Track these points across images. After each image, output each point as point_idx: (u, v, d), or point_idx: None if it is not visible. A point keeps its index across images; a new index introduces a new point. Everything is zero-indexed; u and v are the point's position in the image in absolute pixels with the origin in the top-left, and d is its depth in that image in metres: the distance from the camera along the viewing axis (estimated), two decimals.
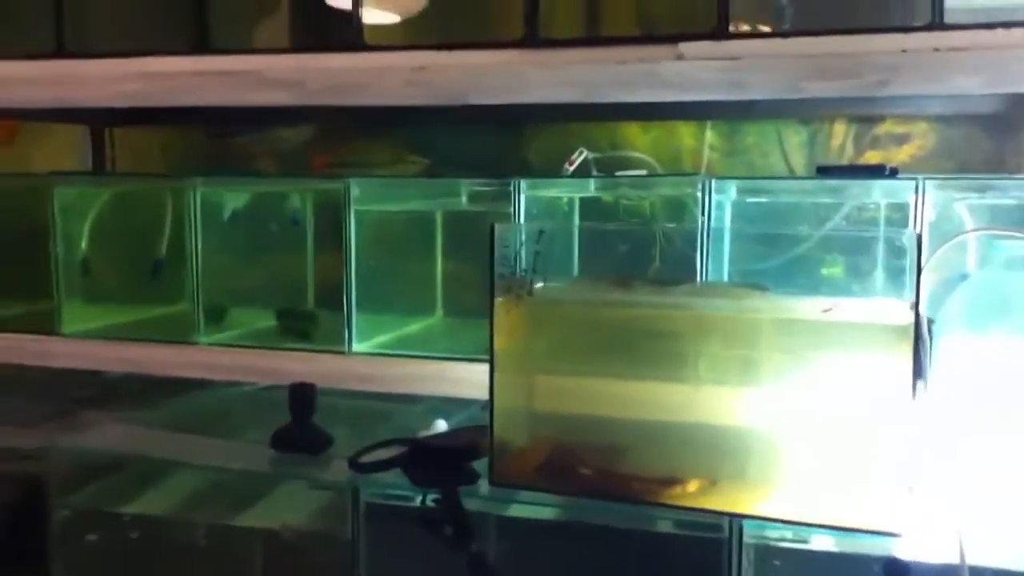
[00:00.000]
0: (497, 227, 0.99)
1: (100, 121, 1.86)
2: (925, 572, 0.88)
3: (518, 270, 1.01)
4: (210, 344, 1.39)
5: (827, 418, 0.92)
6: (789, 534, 0.94)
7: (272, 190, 1.56)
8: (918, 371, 0.89)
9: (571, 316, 1.05)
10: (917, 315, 0.88)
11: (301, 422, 1.17)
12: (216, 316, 1.45)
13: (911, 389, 0.87)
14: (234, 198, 1.51)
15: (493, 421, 1.01)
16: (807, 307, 0.98)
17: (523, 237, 1.06)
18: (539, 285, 1.07)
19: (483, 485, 1.03)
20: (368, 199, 1.34)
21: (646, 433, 0.99)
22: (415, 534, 1.02)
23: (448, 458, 1.05)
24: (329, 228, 1.40)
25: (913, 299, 0.88)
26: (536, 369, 1.04)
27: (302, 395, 1.17)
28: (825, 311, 0.94)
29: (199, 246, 1.39)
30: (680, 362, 0.98)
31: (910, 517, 0.88)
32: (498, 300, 1.01)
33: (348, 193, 1.30)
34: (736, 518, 0.95)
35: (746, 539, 0.95)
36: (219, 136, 1.87)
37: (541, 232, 1.03)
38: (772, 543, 0.95)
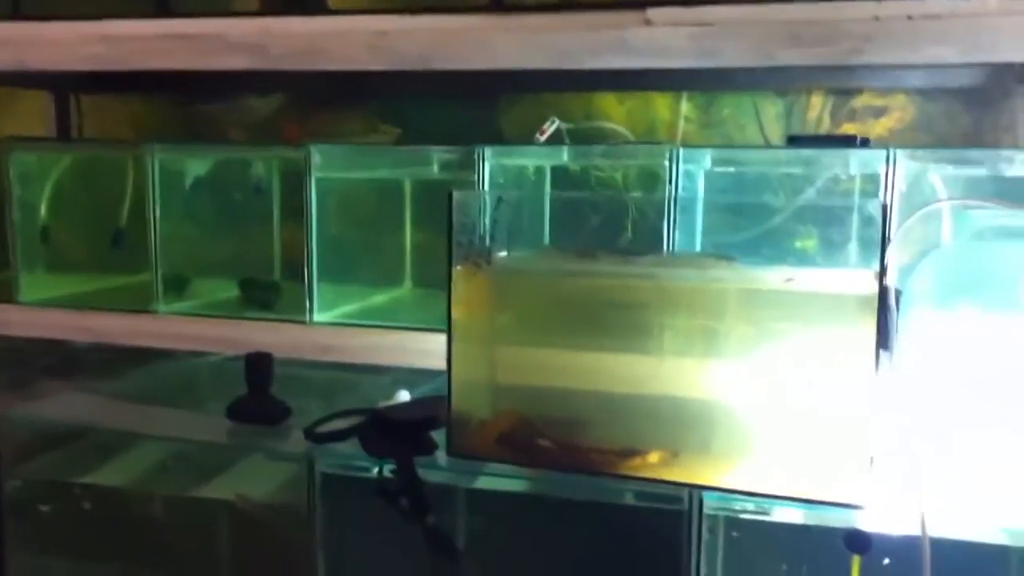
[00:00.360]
0: (456, 194, 0.97)
1: (64, 88, 1.81)
2: (887, 544, 0.87)
3: (476, 238, 0.98)
4: (169, 313, 1.36)
5: (791, 390, 0.90)
6: (751, 506, 0.92)
7: (232, 157, 1.53)
8: (883, 342, 0.87)
9: (532, 286, 1.03)
10: (882, 285, 0.86)
11: (258, 393, 1.14)
12: (177, 286, 1.42)
13: (875, 360, 0.85)
14: (196, 166, 1.48)
15: (451, 392, 0.99)
16: (772, 278, 0.96)
17: (486, 205, 1.03)
18: (502, 254, 1.05)
19: (442, 457, 1.01)
20: (331, 167, 1.31)
21: (607, 405, 0.97)
22: (372, 505, 1.00)
23: (406, 429, 1.03)
24: (295, 197, 1.37)
25: (879, 269, 0.86)
26: (496, 340, 1.02)
27: (259, 365, 1.14)
28: (787, 280, 0.91)
29: (158, 214, 1.36)
30: (643, 333, 0.96)
31: (873, 489, 0.86)
32: (456, 269, 0.98)
33: (309, 160, 1.27)
34: (697, 489, 0.93)
35: (707, 511, 0.93)
36: (187, 105, 1.83)
37: (499, 200, 1.01)
38: (733, 515, 0.94)
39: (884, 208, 0.86)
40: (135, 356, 1.44)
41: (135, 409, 1.27)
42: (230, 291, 1.46)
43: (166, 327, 1.35)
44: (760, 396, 0.91)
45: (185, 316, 1.36)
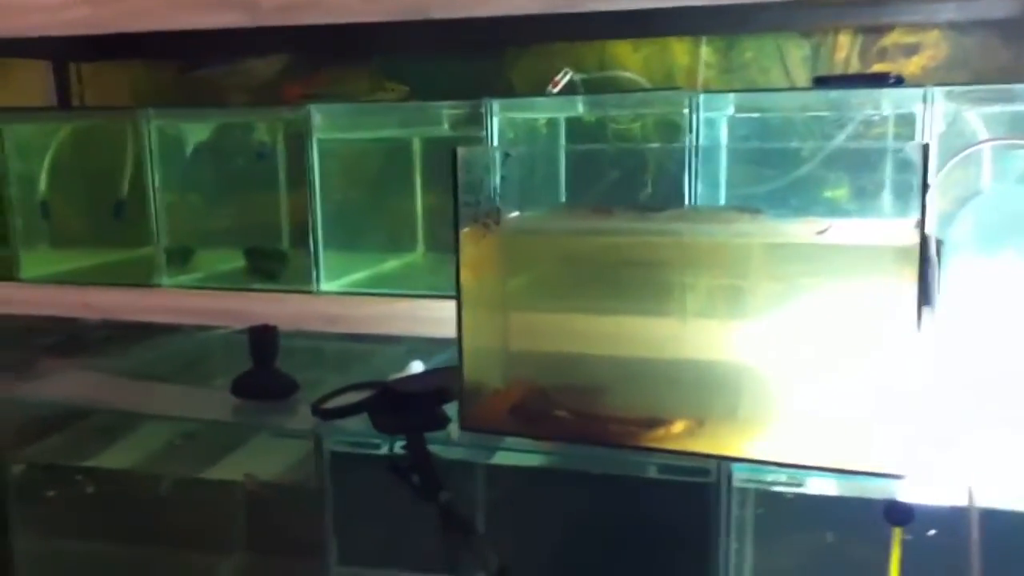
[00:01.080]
0: (461, 151, 0.90)
1: (63, 56, 1.76)
2: (930, 516, 0.81)
3: (484, 198, 0.92)
4: (172, 286, 1.32)
5: (825, 351, 0.84)
6: (783, 477, 0.86)
7: (232, 122, 1.47)
8: (924, 297, 0.80)
9: (544, 247, 0.97)
10: (923, 235, 0.79)
11: (263, 367, 1.09)
12: (181, 257, 1.37)
13: (916, 317, 0.79)
14: (197, 132, 1.42)
15: (463, 362, 0.94)
16: (802, 230, 0.90)
17: (494, 162, 0.97)
18: (514, 214, 0.98)
19: (455, 430, 0.96)
20: (334, 127, 1.25)
21: (627, 371, 0.92)
22: (385, 483, 0.95)
23: (416, 402, 0.97)
24: (300, 161, 1.31)
25: (919, 217, 0.79)
26: (509, 305, 0.96)
27: (263, 338, 1.09)
28: (820, 232, 0.85)
29: (157, 183, 1.31)
30: (664, 293, 0.90)
31: (915, 457, 0.80)
32: (464, 230, 0.92)
33: (309, 121, 1.21)
34: (725, 461, 0.87)
35: (736, 483, 0.88)
36: (189, 70, 1.78)
37: (507, 155, 0.94)
38: (764, 487, 0.88)
39: (925, 150, 0.79)
40: (142, 331, 1.40)
41: (140, 387, 1.22)
42: (236, 261, 1.41)
43: (168, 301, 1.30)
44: (791, 358, 0.85)
45: (187, 289, 1.31)
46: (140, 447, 1.22)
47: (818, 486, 0.87)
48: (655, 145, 1.26)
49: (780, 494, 0.88)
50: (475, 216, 0.93)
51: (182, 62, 1.78)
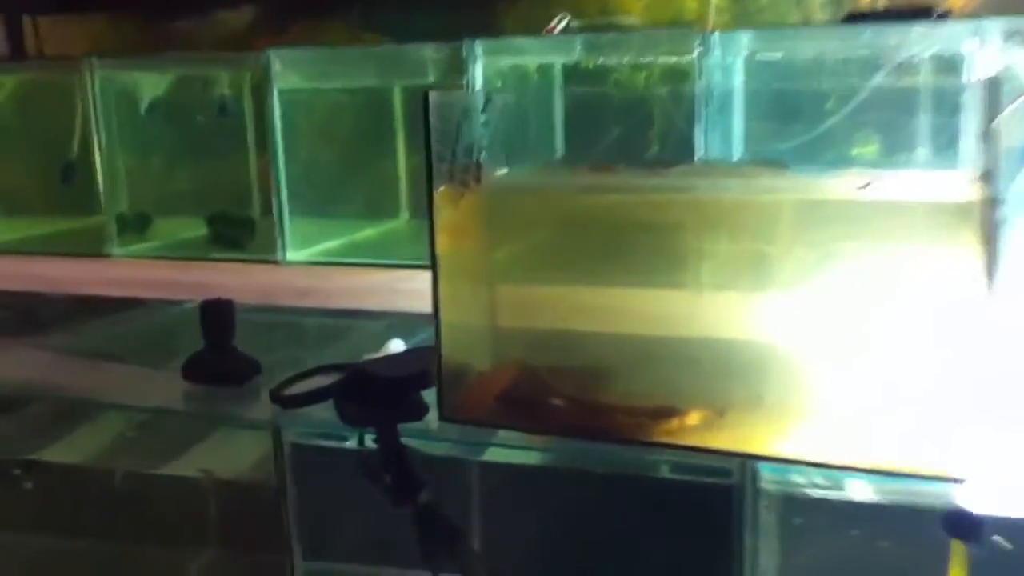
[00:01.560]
0: (433, 94, 0.77)
1: (17, 7, 1.62)
2: (1002, 529, 0.68)
3: (461, 150, 0.79)
4: (125, 256, 1.19)
5: (868, 329, 0.71)
6: (819, 479, 0.74)
7: (185, 73, 1.33)
8: (991, 265, 0.67)
9: (535, 208, 0.84)
10: (993, 189, 0.66)
11: (217, 347, 0.97)
12: (138, 225, 1.24)
13: (982, 289, 0.66)
14: (151, 86, 1.28)
15: (440, 341, 0.81)
16: (838, 186, 0.76)
17: (477, 107, 0.83)
18: (502, 172, 0.85)
19: (434, 421, 0.83)
20: (300, 77, 1.11)
21: (634, 352, 0.79)
22: (355, 481, 0.83)
23: (389, 388, 0.85)
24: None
25: (983, 168, 0.66)
26: (495, 276, 0.83)
27: (216, 314, 0.96)
28: (862, 187, 0.71)
29: (105, 142, 1.17)
30: (677, 261, 0.78)
31: (979, 457, 0.67)
32: (439, 189, 0.79)
33: (269, 69, 1.07)
34: (749, 459, 0.75)
35: (763, 485, 0.76)
36: (155, 23, 1.64)
37: (488, 98, 0.81)
38: (796, 490, 0.75)
39: (991, 85, 0.65)
40: (102, 305, 1.27)
41: (86, 369, 1.09)
42: (198, 229, 1.28)
43: (120, 272, 1.18)
44: (827, 337, 0.73)
45: (141, 259, 1.18)
46: (96, 435, 1.10)
47: (860, 490, 0.74)
48: (662, 90, 1.12)
49: (815, 499, 0.75)
50: (451, 172, 0.80)
51: (147, 14, 1.65)
